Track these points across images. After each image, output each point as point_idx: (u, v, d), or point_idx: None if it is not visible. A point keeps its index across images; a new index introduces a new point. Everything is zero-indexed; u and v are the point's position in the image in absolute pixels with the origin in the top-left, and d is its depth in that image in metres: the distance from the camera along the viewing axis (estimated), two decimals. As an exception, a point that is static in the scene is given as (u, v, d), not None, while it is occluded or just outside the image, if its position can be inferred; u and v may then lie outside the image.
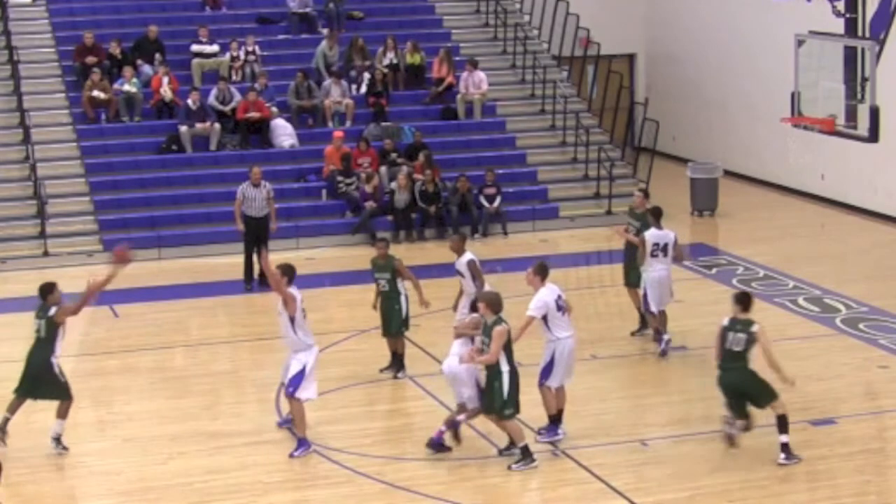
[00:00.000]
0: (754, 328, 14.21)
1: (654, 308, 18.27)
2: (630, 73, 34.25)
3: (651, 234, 18.09)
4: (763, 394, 14.33)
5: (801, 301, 20.84)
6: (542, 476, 14.37)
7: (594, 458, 14.63)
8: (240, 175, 23.76)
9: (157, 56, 27.74)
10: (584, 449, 14.91)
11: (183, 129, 26.58)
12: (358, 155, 26.42)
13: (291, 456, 14.87)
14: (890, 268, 22.94)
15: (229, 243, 23.71)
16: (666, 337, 18.26)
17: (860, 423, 15.75)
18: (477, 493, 14.06)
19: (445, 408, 16.11)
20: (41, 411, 15.42)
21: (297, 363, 14.93)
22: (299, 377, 14.89)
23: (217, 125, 26.77)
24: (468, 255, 17.23)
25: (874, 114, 20.25)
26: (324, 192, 26.39)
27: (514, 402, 14.30)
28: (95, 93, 26.91)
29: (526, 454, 14.38)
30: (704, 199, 27.55)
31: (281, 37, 29.99)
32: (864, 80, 20.64)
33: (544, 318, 14.84)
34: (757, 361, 14.32)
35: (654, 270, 18.10)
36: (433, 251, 24.00)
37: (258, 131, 27.10)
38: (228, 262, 23.33)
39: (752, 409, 14.45)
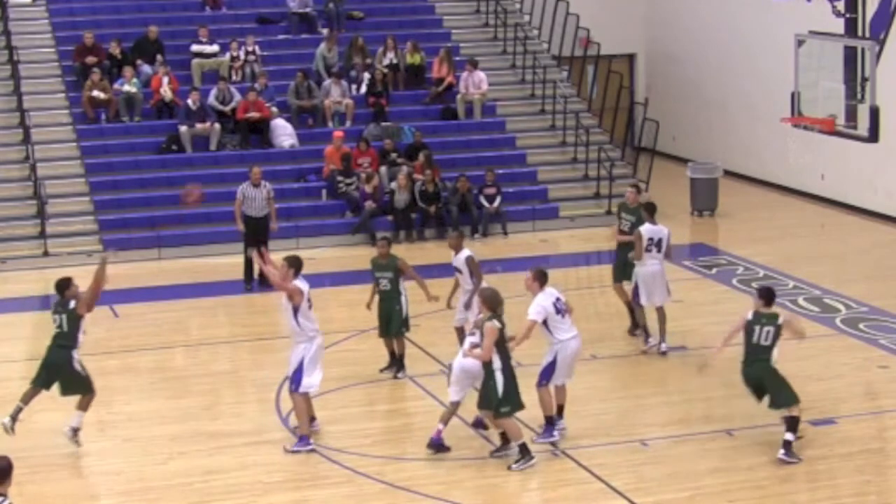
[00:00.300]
0: (780, 320, 14.51)
1: (643, 301, 18.35)
2: (630, 73, 34.26)
3: (645, 229, 18.17)
4: (783, 394, 14.47)
5: (801, 301, 20.83)
6: (542, 476, 14.37)
7: (594, 458, 14.63)
8: (240, 175, 23.76)
9: (158, 58, 27.72)
10: (584, 449, 14.91)
11: (183, 129, 26.58)
12: (358, 155, 26.42)
13: (289, 450, 14.93)
14: (890, 268, 22.94)
15: (229, 243, 23.71)
16: (652, 342, 18.41)
17: (860, 423, 15.75)
18: (477, 493, 14.06)
19: (445, 408, 16.14)
20: (42, 412, 15.42)
21: (296, 358, 14.97)
22: (298, 373, 14.94)
23: (217, 125, 26.77)
24: (466, 252, 17.31)
25: (874, 114, 20.25)
26: (324, 192, 26.39)
27: (510, 400, 14.29)
28: (95, 93, 26.91)
29: (524, 452, 14.37)
30: (704, 199, 27.56)
31: (281, 37, 29.99)
32: (864, 80, 20.65)
33: (545, 322, 14.83)
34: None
35: (646, 265, 18.18)
36: (433, 251, 23.99)
37: (258, 131, 27.10)
38: (228, 262, 23.33)
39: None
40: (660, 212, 26.28)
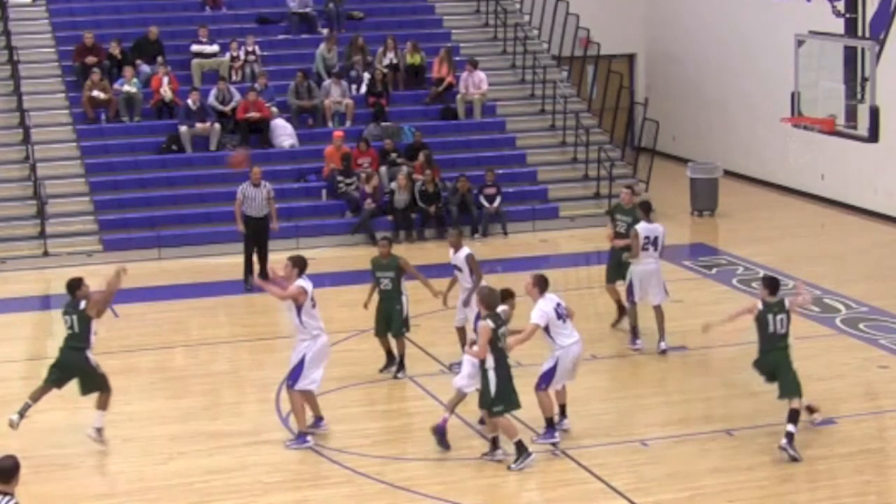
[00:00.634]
0: (787, 304, 14.76)
1: (636, 298, 18.42)
2: (630, 73, 34.27)
3: (642, 227, 18.23)
4: (791, 385, 14.62)
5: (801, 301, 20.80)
6: (542, 476, 14.36)
7: (594, 458, 14.63)
8: (240, 175, 23.74)
9: (159, 59, 27.69)
10: (584, 449, 14.91)
11: (183, 129, 26.58)
12: (358, 155, 26.42)
13: (287, 446, 14.98)
14: (890, 268, 22.94)
15: (229, 243, 23.71)
16: (639, 343, 18.50)
17: (860, 423, 15.75)
18: (477, 493, 14.06)
19: (445, 408, 16.14)
20: (43, 411, 15.42)
21: (297, 355, 15.00)
22: (298, 369, 14.99)
23: (217, 125, 26.76)
24: (466, 250, 17.39)
25: (874, 114, 20.25)
26: (324, 192, 26.39)
27: (504, 400, 14.28)
28: (95, 93, 26.91)
29: (521, 450, 14.35)
30: (704, 199, 27.56)
31: (281, 37, 29.99)
32: (864, 80, 20.65)
33: (546, 328, 14.83)
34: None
35: (642, 263, 18.22)
36: (433, 251, 23.98)
37: (258, 131, 27.10)
38: (228, 262, 23.34)
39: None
40: (660, 212, 26.40)
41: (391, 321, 17.36)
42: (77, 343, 15.00)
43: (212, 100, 27.11)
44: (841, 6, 24.49)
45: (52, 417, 15.44)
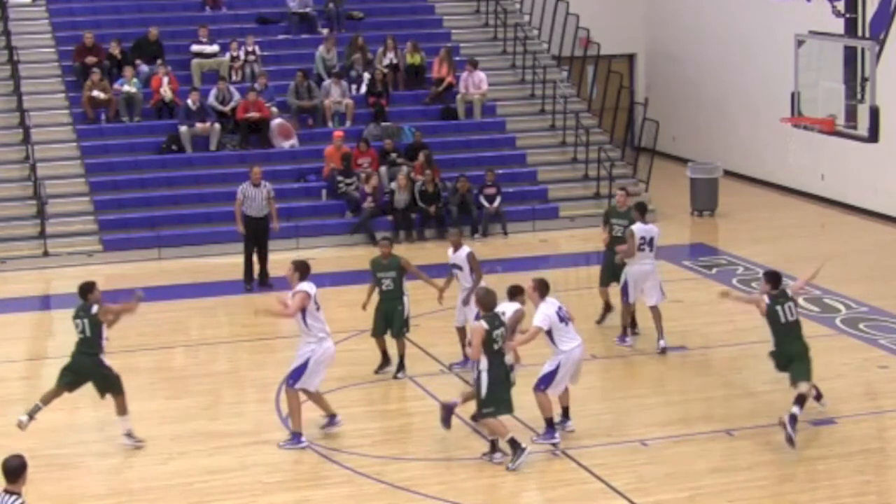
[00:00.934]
0: (789, 292, 15.31)
1: (630, 299, 18.46)
2: (630, 73, 34.27)
3: (638, 228, 18.26)
4: (802, 369, 14.95)
5: (800, 301, 20.72)
6: (542, 476, 14.37)
7: (594, 458, 14.63)
8: (240, 175, 23.77)
9: (158, 61, 27.66)
10: (584, 449, 14.91)
11: (183, 129, 26.58)
12: (358, 155, 26.42)
13: (281, 446, 15.00)
14: (890, 268, 22.94)
15: (229, 243, 23.71)
16: (629, 341, 18.59)
17: (860, 423, 15.76)
18: (477, 493, 14.06)
19: (460, 394, 16.14)
20: (42, 411, 15.39)
21: (301, 357, 15.01)
22: (301, 370, 15.00)
23: (217, 125, 26.76)
24: (467, 248, 17.45)
25: (874, 114, 20.26)
26: (324, 192, 26.39)
27: (494, 402, 14.27)
28: (95, 93, 26.90)
29: (514, 447, 14.32)
30: (704, 199, 27.55)
31: (281, 37, 29.98)
32: (864, 80, 20.66)
33: (549, 332, 14.82)
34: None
35: (638, 264, 18.25)
36: (433, 251, 23.97)
37: (258, 131, 27.10)
38: (228, 262, 23.33)
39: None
40: (660, 212, 26.55)
41: (391, 322, 17.35)
42: (89, 348, 14.97)
43: (212, 100, 27.11)
44: (841, 6, 24.49)
45: (52, 418, 15.43)
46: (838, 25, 23.99)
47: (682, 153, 31.75)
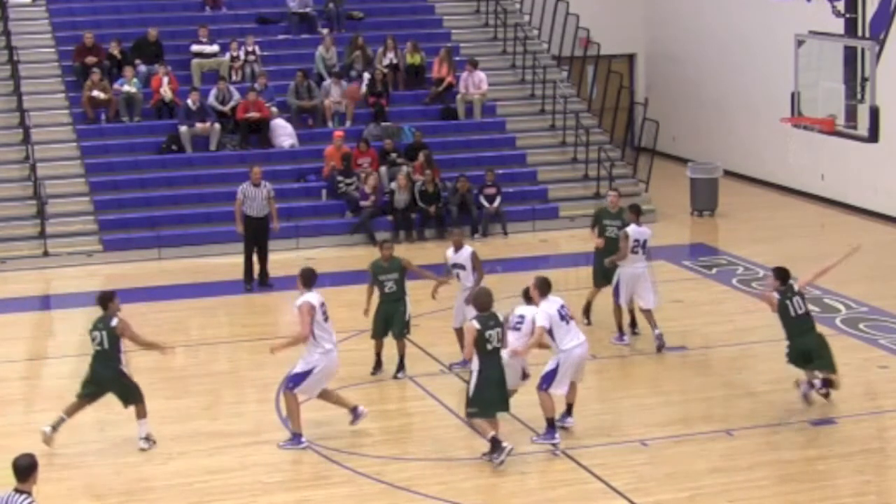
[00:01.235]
0: (796, 286, 15.70)
1: (622, 302, 18.45)
2: (630, 73, 34.27)
3: (632, 230, 18.29)
4: (829, 363, 15.57)
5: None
6: (542, 476, 14.37)
7: (594, 458, 14.63)
8: (240, 175, 23.76)
9: (157, 64, 27.68)
10: (584, 449, 14.91)
11: (183, 129, 26.58)
12: (358, 155, 26.42)
13: (281, 447, 14.98)
14: (890, 268, 22.94)
15: (229, 243, 23.70)
16: (626, 339, 18.61)
17: (860, 423, 15.75)
18: (477, 493, 14.06)
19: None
20: (41, 412, 15.44)
21: (306, 364, 14.97)
22: (303, 376, 14.95)
23: (217, 125, 26.76)
24: (470, 248, 17.50)
25: (874, 114, 20.24)
26: (324, 192, 26.39)
27: (479, 403, 14.28)
28: (95, 93, 26.90)
29: (495, 446, 14.30)
30: (704, 199, 27.55)
31: (281, 37, 29.98)
32: (864, 80, 20.65)
33: (549, 331, 14.82)
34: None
35: (630, 266, 18.27)
36: (433, 251, 23.94)
37: (258, 131, 27.10)
38: (228, 262, 23.32)
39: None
40: (660, 212, 26.55)
41: (392, 323, 17.32)
42: (108, 360, 14.89)
43: (212, 100, 27.11)
44: (841, 6, 24.50)
45: (52, 418, 15.41)
46: (838, 25, 23.99)
47: (682, 153, 31.75)
